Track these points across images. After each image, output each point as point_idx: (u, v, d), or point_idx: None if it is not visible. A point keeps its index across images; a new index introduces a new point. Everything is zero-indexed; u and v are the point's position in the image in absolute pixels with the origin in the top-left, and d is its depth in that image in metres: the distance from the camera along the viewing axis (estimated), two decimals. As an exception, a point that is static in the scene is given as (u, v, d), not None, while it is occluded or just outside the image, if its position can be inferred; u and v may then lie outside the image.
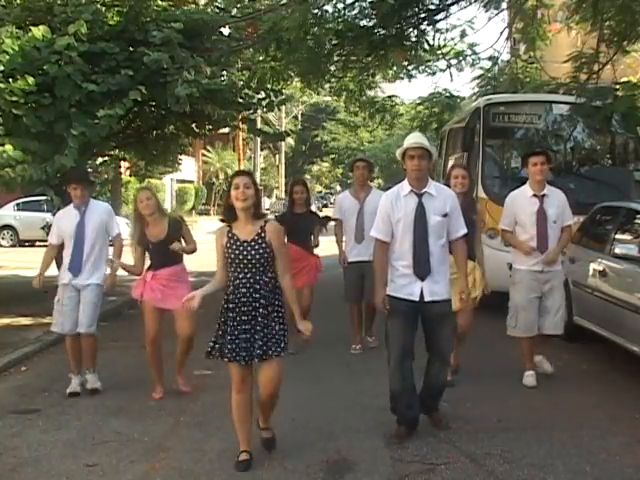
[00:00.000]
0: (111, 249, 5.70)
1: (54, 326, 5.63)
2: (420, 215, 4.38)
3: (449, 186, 5.26)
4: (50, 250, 5.75)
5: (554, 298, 5.69)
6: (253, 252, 3.95)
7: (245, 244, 3.96)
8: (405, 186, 4.48)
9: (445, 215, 4.41)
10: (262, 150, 37.67)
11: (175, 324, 5.35)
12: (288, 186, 7.34)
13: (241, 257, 3.95)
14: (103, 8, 8.57)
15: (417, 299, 4.38)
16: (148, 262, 5.45)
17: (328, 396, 5.38)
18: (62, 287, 5.54)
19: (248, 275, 3.96)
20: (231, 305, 3.96)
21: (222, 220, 4.09)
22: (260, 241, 3.97)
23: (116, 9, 8.68)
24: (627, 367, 5.89)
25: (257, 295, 3.94)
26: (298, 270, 6.39)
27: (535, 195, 5.64)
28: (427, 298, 4.38)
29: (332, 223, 7.17)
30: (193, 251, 5.44)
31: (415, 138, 4.51)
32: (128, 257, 5.59)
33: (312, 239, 6.83)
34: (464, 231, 4.54)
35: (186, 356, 5.47)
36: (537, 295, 5.68)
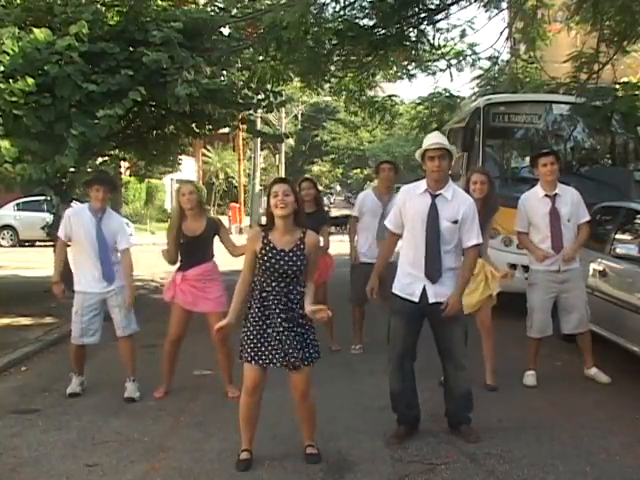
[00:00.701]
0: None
1: (73, 338, 5.44)
2: (433, 217, 4.31)
3: (468, 191, 5.20)
4: (61, 246, 5.53)
5: (575, 295, 5.67)
6: (290, 263, 3.87)
7: (282, 253, 3.88)
8: (422, 185, 4.42)
9: (456, 222, 4.31)
10: (262, 150, 37.58)
11: (207, 326, 5.29)
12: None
13: (277, 266, 3.86)
14: (103, 8, 8.57)
15: (417, 300, 4.32)
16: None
17: (328, 396, 5.37)
18: (81, 296, 5.37)
19: (282, 284, 3.89)
20: (259, 311, 3.90)
21: (261, 226, 4.03)
22: (299, 252, 3.90)
23: (116, 9, 8.68)
24: (627, 367, 5.89)
25: (292, 305, 3.90)
26: None
27: (547, 195, 5.62)
28: (431, 300, 4.31)
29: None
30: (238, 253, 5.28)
31: (435, 138, 4.43)
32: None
33: (325, 240, 6.75)
34: (476, 241, 4.39)
35: (228, 360, 5.33)
36: (553, 296, 5.68)
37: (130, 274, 5.47)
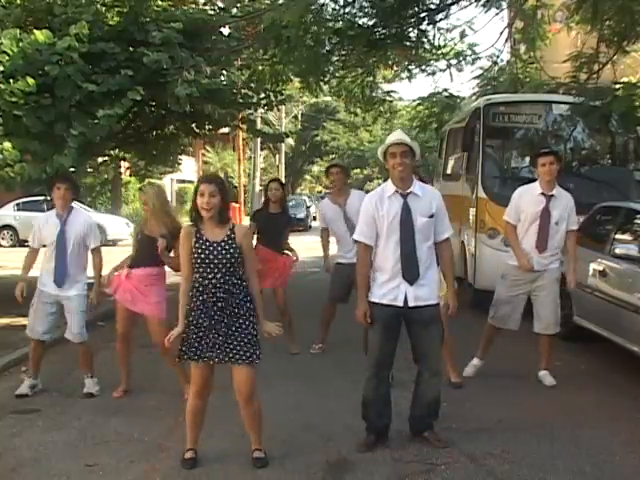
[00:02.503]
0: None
1: (27, 330, 5.57)
2: (406, 217, 4.21)
3: None
4: (31, 254, 5.61)
5: (546, 295, 5.64)
6: (224, 252, 3.90)
7: (215, 244, 3.91)
8: (389, 186, 4.30)
9: (431, 216, 4.26)
10: (262, 150, 37.64)
11: (148, 328, 5.36)
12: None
13: (211, 257, 3.89)
14: (103, 8, 8.58)
15: (401, 304, 4.22)
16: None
17: (328, 396, 5.38)
18: (39, 293, 5.45)
19: (218, 276, 3.89)
20: (200, 306, 3.90)
21: (192, 223, 4.03)
22: (230, 242, 3.93)
23: (116, 9, 8.69)
24: (627, 367, 5.89)
25: (226, 295, 3.89)
26: (269, 271, 6.40)
27: (543, 194, 5.62)
28: (411, 303, 4.21)
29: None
30: (176, 268, 5.20)
31: (396, 135, 4.34)
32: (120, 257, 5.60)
33: (284, 242, 6.82)
34: (450, 232, 4.42)
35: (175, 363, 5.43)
36: (521, 292, 5.67)
37: (99, 273, 5.53)
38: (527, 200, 5.69)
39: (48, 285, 5.43)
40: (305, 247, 11.61)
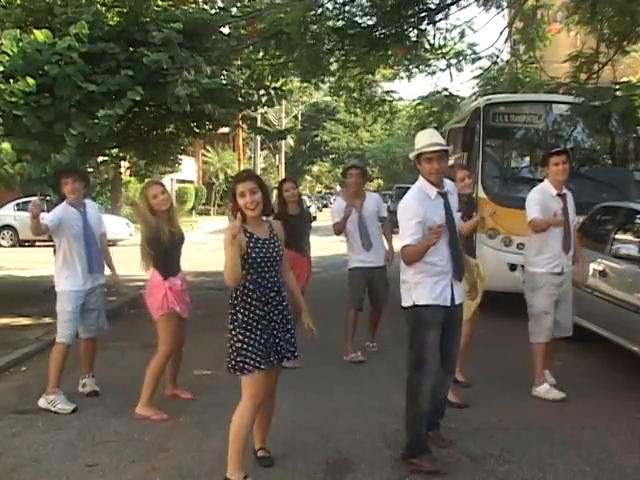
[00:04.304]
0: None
1: (63, 337, 5.27)
2: (450, 216, 4.17)
3: None
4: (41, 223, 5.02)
5: (566, 300, 5.55)
6: (277, 249, 3.81)
7: (266, 242, 3.79)
8: (429, 188, 4.15)
9: (459, 210, 4.32)
10: (262, 150, 37.69)
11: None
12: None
13: (262, 255, 3.75)
14: (103, 9, 8.58)
15: (449, 304, 4.10)
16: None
17: (328, 397, 5.38)
18: (73, 295, 5.22)
19: (272, 273, 3.78)
20: (260, 307, 3.74)
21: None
22: (275, 239, 3.85)
23: (116, 9, 8.69)
24: (627, 367, 5.89)
25: (282, 295, 3.83)
26: (295, 273, 6.31)
27: (558, 194, 5.52)
28: (457, 301, 4.14)
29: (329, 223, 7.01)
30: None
31: (431, 138, 4.15)
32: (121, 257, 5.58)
33: (305, 243, 6.70)
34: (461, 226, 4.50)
35: (178, 366, 5.44)
36: (555, 298, 5.51)
37: (111, 259, 5.61)
38: (547, 202, 5.49)
39: (83, 283, 5.24)
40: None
